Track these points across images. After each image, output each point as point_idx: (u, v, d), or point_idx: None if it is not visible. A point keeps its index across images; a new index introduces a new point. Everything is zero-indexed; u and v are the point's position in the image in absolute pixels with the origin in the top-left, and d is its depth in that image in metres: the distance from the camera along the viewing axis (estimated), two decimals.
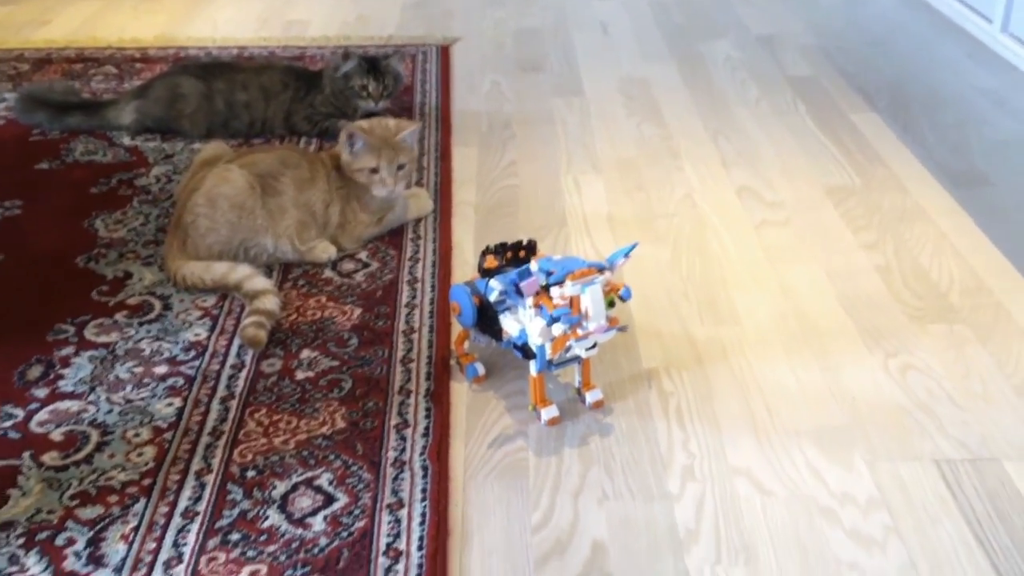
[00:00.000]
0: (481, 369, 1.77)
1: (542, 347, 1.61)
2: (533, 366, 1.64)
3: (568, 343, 1.58)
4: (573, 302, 1.59)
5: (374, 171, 2.11)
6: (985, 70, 3.13)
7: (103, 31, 3.45)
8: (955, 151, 2.60)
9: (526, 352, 1.65)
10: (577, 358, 1.67)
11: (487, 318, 1.70)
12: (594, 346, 1.64)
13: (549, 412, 1.67)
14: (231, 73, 2.67)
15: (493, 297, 1.67)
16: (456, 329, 1.83)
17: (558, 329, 1.57)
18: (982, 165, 2.53)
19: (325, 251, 2.11)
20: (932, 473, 1.55)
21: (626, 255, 1.64)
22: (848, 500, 1.50)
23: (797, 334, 1.89)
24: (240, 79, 2.66)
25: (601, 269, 1.61)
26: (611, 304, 1.62)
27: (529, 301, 1.60)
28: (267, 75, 2.68)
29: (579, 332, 1.58)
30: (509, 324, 1.67)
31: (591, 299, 1.58)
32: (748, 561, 1.40)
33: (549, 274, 1.61)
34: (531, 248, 1.79)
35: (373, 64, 2.64)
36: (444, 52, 3.30)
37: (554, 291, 1.59)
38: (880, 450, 1.60)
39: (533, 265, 1.63)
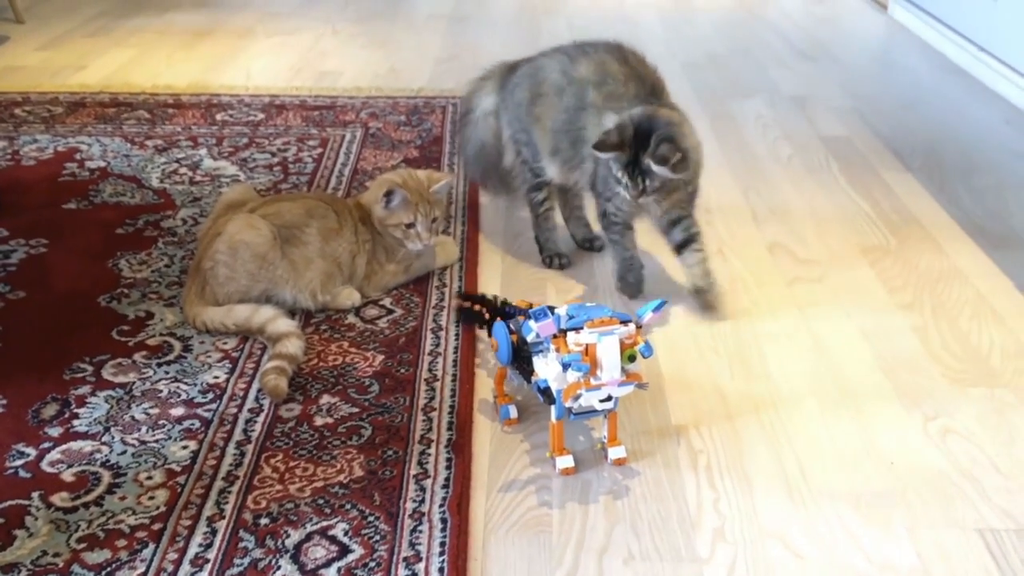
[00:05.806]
0: (514, 412, 1.72)
1: (560, 392, 1.56)
2: (553, 412, 1.59)
3: (579, 392, 1.53)
4: (588, 350, 1.53)
5: (409, 226, 2.09)
6: (1023, 135, 3.09)
7: (137, 77, 3.48)
8: (993, 214, 2.54)
9: (547, 396, 1.60)
10: (595, 411, 1.61)
11: (520, 358, 1.66)
12: (610, 399, 1.58)
13: (564, 461, 1.61)
14: None
15: (530, 337, 1.63)
16: (494, 368, 1.78)
17: (572, 376, 1.52)
18: (1022, 228, 2.47)
19: (349, 297, 2.07)
20: (976, 543, 1.47)
21: (655, 310, 1.60)
22: (888, 568, 1.42)
23: (831, 392, 1.82)
24: None
25: (625, 321, 1.56)
26: (631, 359, 1.56)
27: (552, 344, 1.56)
28: None
29: (591, 382, 1.53)
30: (540, 366, 1.62)
31: (605, 349, 1.53)
32: None
33: (571, 319, 1.56)
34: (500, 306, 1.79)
35: None
36: None
37: (570, 336, 1.54)
38: (921, 516, 1.52)
39: (561, 309, 1.59)
